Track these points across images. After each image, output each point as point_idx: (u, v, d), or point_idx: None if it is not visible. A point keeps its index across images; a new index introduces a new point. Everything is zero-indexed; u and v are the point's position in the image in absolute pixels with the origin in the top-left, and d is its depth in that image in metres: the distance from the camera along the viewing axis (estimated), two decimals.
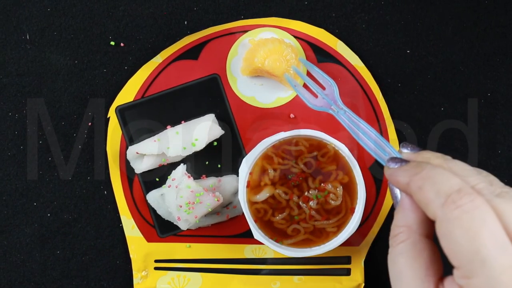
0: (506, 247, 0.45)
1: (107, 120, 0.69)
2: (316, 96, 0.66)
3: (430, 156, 0.52)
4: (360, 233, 0.69)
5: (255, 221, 0.66)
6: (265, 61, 0.66)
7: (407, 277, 0.50)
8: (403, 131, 0.70)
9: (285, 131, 0.66)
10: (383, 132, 0.69)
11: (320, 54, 0.69)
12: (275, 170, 0.66)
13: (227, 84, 0.69)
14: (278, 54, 0.66)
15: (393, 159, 0.52)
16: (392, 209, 0.69)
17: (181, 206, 0.64)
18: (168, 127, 0.69)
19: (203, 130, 0.66)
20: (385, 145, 0.56)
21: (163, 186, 0.67)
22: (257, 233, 0.65)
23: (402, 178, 0.50)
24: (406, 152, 0.53)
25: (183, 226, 0.65)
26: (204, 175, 0.69)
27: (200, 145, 0.66)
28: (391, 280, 0.51)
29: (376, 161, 0.69)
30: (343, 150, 0.65)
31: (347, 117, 0.60)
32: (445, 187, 0.47)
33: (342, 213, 0.66)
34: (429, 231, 0.51)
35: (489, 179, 0.48)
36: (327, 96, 0.65)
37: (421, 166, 0.49)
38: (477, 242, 0.45)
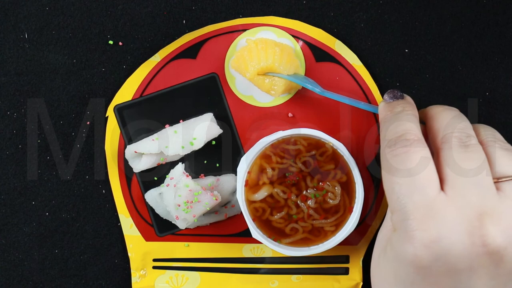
0: (424, 186, 0.50)
1: (105, 119, 0.69)
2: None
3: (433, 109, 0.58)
4: (358, 232, 0.69)
5: (254, 220, 0.66)
6: (254, 78, 0.66)
7: None
8: None
9: (283, 130, 0.66)
10: None
11: (318, 54, 0.69)
12: (273, 169, 0.66)
13: (226, 83, 0.69)
14: (267, 71, 0.66)
15: (390, 93, 0.59)
16: None
17: (179, 205, 0.64)
18: (167, 126, 0.69)
19: (201, 129, 0.67)
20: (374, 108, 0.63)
21: (162, 185, 0.67)
22: (255, 232, 0.65)
23: (380, 115, 0.58)
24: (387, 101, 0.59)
25: (181, 225, 0.65)
26: (202, 174, 0.69)
27: (198, 144, 0.66)
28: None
29: (375, 160, 0.69)
30: (342, 149, 0.65)
31: (333, 95, 0.65)
32: (390, 132, 0.54)
33: (340, 212, 0.66)
34: None
35: (469, 133, 0.53)
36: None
37: (393, 109, 0.56)
38: (397, 182, 0.50)
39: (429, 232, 0.48)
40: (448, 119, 0.54)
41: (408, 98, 0.58)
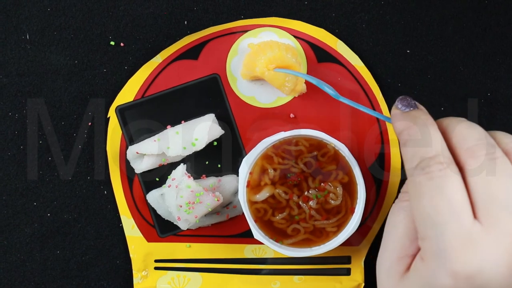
0: (460, 214, 0.46)
1: (107, 120, 0.69)
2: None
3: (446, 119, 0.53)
4: (360, 232, 0.69)
5: (255, 221, 0.66)
6: (265, 72, 0.66)
7: (399, 232, 0.52)
8: None
9: (285, 131, 0.66)
10: (383, 132, 0.69)
11: (320, 54, 0.69)
12: (275, 170, 0.66)
13: (227, 84, 0.69)
14: (278, 62, 0.66)
15: (403, 100, 0.53)
16: None
17: (181, 206, 0.64)
18: (168, 127, 0.69)
19: (203, 130, 0.67)
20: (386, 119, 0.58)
21: (163, 186, 0.67)
22: (257, 233, 0.65)
23: (398, 126, 0.52)
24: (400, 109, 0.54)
25: (183, 226, 0.65)
26: (204, 175, 0.69)
27: (200, 145, 0.66)
28: (385, 227, 0.53)
29: (376, 161, 0.69)
30: (343, 150, 0.65)
31: (348, 101, 0.61)
32: (421, 151, 0.49)
33: (342, 212, 0.66)
34: None
35: (492, 143, 0.49)
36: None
37: (416, 120, 0.51)
38: (433, 207, 0.47)
39: (470, 265, 0.46)
40: (465, 131, 0.50)
41: (424, 109, 0.54)
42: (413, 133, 0.51)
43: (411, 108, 0.53)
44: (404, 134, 0.51)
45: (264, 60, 0.66)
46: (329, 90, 0.63)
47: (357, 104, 0.61)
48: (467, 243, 0.46)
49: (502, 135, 0.51)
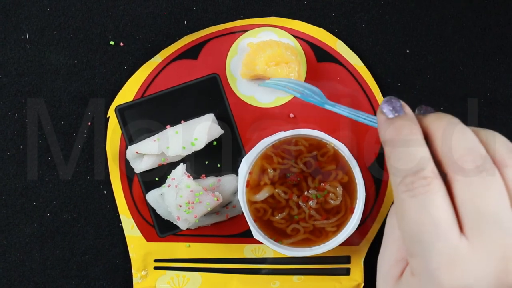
0: (446, 231, 0.45)
1: (106, 120, 0.69)
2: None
3: (433, 117, 0.50)
4: (359, 232, 0.69)
5: (255, 221, 0.66)
6: (266, 69, 0.66)
7: (397, 234, 0.51)
8: None
9: (284, 130, 0.66)
10: None
11: (319, 54, 0.69)
12: (274, 169, 0.66)
13: (227, 84, 0.69)
14: (278, 59, 0.66)
15: (388, 102, 0.50)
16: None
17: (180, 206, 0.64)
18: (168, 126, 0.69)
19: (202, 130, 0.67)
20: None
21: (163, 185, 0.67)
22: (256, 233, 0.65)
23: (382, 136, 0.50)
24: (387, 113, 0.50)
25: (182, 225, 0.65)
26: (203, 175, 0.69)
27: (199, 145, 0.66)
28: (385, 228, 0.53)
29: (376, 160, 0.69)
30: (343, 149, 0.65)
31: (342, 108, 0.57)
32: (404, 165, 0.47)
33: (341, 212, 0.66)
34: None
35: (481, 152, 0.46)
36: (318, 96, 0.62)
37: (399, 131, 0.48)
38: (417, 226, 0.46)
39: (458, 283, 0.44)
40: (454, 140, 0.47)
41: (410, 113, 0.50)
42: (396, 145, 0.48)
43: (396, 114, 0.49)
44: (388, 146, 0.49)
45: (264, 57, 0.66)
46: (314, 99, 0.60)
47: (344, 107, 0.57)
48: (454, 260, 0.45)
49: (495, 140, 0.48)
